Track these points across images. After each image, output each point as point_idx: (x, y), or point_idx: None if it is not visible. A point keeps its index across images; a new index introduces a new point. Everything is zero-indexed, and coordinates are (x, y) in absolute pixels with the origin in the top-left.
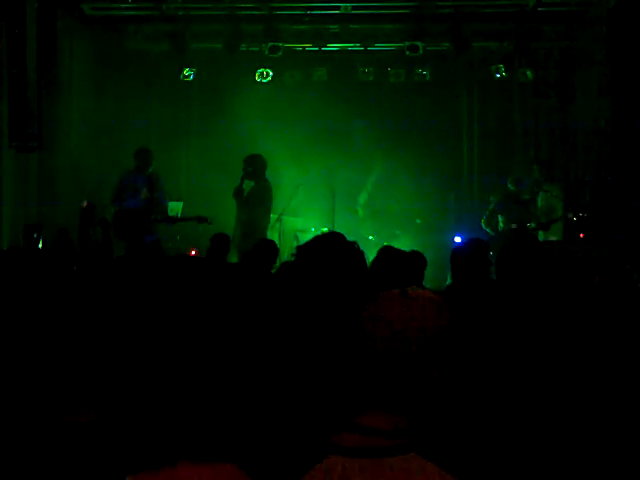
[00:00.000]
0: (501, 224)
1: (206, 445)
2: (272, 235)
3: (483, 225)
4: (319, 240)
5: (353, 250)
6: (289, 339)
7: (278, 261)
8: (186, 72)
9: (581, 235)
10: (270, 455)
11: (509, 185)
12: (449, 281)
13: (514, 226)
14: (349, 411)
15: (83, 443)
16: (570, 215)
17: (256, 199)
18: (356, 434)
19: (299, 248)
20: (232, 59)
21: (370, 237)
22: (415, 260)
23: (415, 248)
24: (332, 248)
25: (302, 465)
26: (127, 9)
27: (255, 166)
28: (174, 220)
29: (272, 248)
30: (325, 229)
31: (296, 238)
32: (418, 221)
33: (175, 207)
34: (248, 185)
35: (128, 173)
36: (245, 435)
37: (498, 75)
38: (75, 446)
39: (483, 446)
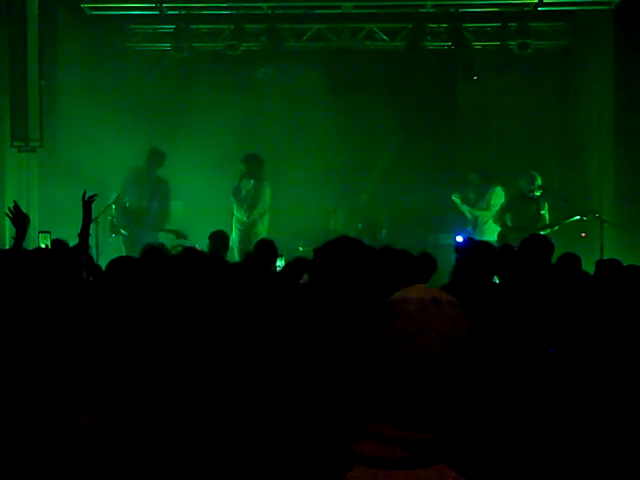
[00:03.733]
0: (509, 221)
1: (222, 458)
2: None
3: (492, 221)
4: (336, 245)
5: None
6: (304, 343)
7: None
8: (188, 72)
9: (583, 234)
10: (289, 463)
11: (520, 183)
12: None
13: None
14: (366, 418)
15: (89, 444)
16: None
17: (254, 198)
18: (382, 444)
19: (316, 251)
20: (233, 58)
21: (300, 248)
22: (424, 263)
23: (415, 247)
24: (351, 253)
25: (324, 473)
26: (128, 9)
27: (252, 165)
28: (158, 229)
29: (271, 248)
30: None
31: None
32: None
33: (176, 207)
34: (246, 184)
35: (133, 173)
36: (260, 445)
37: (499, 74)
38: (82, 447)
39: (511, 458)
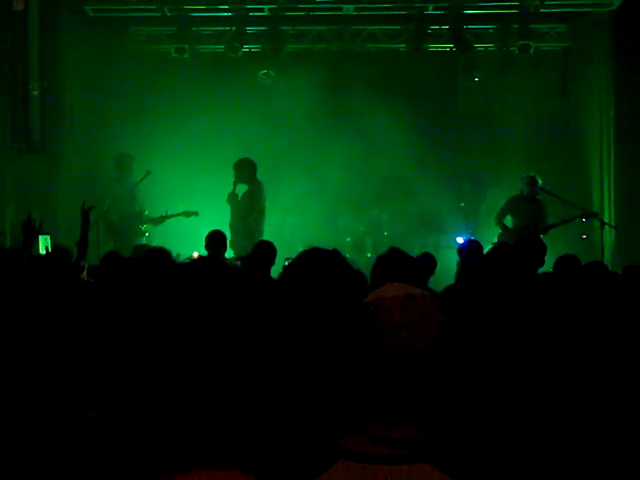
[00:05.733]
0: (509, 223)
1: (217, 451)
2: None
3: (494, 223)
4: (307, 258)
5: (345, 268)
6: (293, 343)
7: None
8: (189, 73)
9: (584, 236)
10: (279, 459)
11: (520, 185)
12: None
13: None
14: (354, 415)
15: (90, 440)
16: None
17: (250, 201)
18: (369, 441)
19: (286, 268)
20: (235, 60)
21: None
22: (425, 262)
23: (416, 249)
24: (323, 267)
25: (312, 468)
26: (130, 10)
27: (244, 170)
28: (162, 219)
29: (270, 249)
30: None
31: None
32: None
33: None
34: (241, 189)
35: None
36: (253, 440)
37: (500, 76)
38: (82, 444)
39: (497, 458)
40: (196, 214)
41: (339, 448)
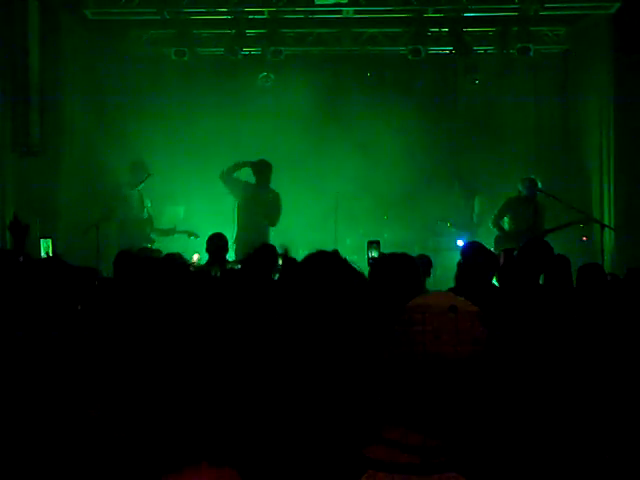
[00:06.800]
0: (506, 225)
1: (221, 453)
2: None
3: (490, 225)
4: (315, 262)
5: (350, 271)
6: (309, 348)
7: None
8: (188, 76)
9: (584, 238)
10: (304, 469)
11: (519, 187)
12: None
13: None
14: (378, 423)
15: (89, 438)
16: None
17: (275, 207)
18: (395, 450)
19: (293, 272)
20: (234, 63)
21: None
22: (421, 265)
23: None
24: (328, 271)
25: (340, 478)
26: (130, 13)
27: (267, 173)
28: (171, 232)
29: (272, 253)
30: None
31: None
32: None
33: (177, 212)
34: (265, 193)
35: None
36: (275, 449)
37: (500, 78)
38: (81, 441)
39: (523, 466)
40: (196, 236)
41: (365, 458)
